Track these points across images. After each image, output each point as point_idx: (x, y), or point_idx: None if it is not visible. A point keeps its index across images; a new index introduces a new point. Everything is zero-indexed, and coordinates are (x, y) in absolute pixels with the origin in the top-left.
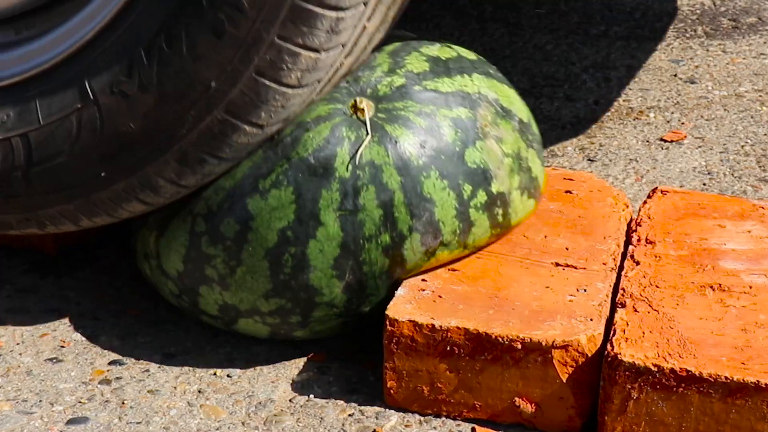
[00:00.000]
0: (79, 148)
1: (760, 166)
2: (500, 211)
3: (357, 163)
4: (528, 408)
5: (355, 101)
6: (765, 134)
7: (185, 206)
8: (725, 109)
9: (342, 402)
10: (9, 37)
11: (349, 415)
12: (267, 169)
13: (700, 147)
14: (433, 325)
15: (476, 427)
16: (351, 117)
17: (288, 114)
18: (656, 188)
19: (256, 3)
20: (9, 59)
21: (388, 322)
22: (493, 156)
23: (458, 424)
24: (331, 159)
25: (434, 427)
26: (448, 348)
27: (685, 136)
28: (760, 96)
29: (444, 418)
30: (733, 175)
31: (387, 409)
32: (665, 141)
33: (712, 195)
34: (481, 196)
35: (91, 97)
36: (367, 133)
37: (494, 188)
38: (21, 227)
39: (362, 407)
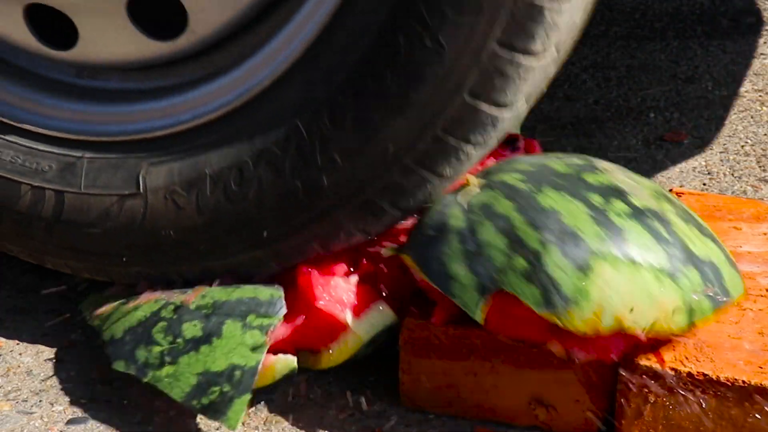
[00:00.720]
0: (111, 229)
1: (760, 166)
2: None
3: (468, 208)
4: (544, 410)
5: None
6: (765, 134)
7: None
8: (725, 109)
9: (342, 402)
10: (67, 76)
11: (349, 415)
12: None
13: (700, 147)
14: (449, 326)
15: (477, 427)
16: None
17: None
18: (671, 189)
19: (335, 184)
20: (63, 110)
21: (403, 323)
22: (620, 180)
23: (458, 425)
24: (445, 220)
25: (434, 427)
26: (465, 349)
27: (685, 136)
28: (760, 96)
29: (444, 419)
30: (733, 175)
31: (387, 409)
32: (665, 141)
33: (728, 197)
34: (619, 205)
35: (141, 191)
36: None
37: (635, 201)
38: (21, 255)
39: (362, 407)
